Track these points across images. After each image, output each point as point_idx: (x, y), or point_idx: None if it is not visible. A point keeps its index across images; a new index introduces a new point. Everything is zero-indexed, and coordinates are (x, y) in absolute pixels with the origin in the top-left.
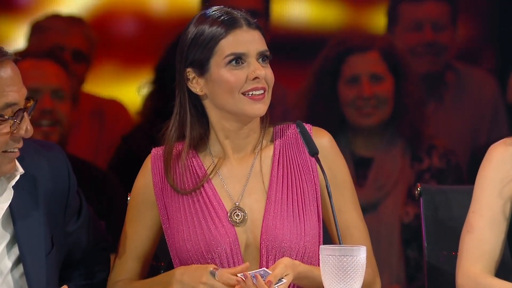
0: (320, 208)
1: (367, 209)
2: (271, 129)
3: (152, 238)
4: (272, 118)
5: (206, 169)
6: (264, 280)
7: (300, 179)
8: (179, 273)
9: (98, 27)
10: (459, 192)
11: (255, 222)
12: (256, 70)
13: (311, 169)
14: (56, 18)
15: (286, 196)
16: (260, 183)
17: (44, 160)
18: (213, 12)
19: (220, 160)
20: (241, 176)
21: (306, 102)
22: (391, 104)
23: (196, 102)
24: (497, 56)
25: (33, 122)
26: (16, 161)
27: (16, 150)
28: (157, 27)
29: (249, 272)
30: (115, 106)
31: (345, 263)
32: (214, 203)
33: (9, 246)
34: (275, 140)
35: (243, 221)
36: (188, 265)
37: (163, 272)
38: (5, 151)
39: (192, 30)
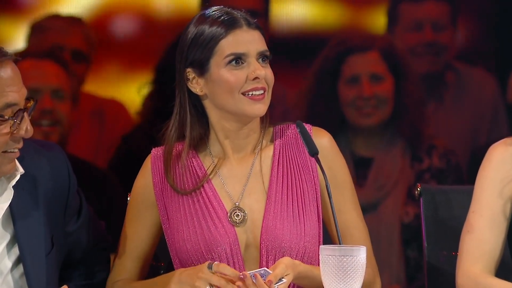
0: (320, 208)
1: (367, 209)
2: (271, 129)
3: (152, 238)
4: (272, 118)
5: (206, 169)
6: (264, 280)
7: (300, 179)
8: (178, 273)
9: (98, 27)
10: (459, 192)
11: (255, 222)
12: (256, 70)
13: (311, 169)
14: (56, 18)
15: (286, 196)
16: (260, 183)
17: (44, 160)
18: (213, 12)
19: (220, 160)
20: (241, 176)
21: (306, 102)
22: (391, 104)
23: (196, 102)
24: (497, 56)
25: (33, 122)
26: (16, 161)
27: (16, 150)
28: (157, 27)
29: (249, 272)
30: (115, 106)
31: (345, 263)
32: (214, 203)
33: (9, 246)
34: (275, 140)
35: (243, 221)
36: (188, 265)
37: (163, 272)
38: (5, 152)
39: (192, 30)
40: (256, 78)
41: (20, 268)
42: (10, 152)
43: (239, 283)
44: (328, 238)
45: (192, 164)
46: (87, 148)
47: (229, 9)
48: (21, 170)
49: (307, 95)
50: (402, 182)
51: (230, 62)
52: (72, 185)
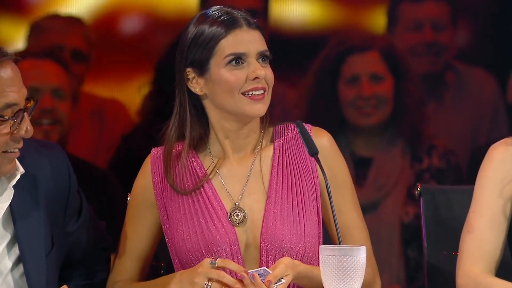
0: (320, 208)
1: (367, 209)
2: (271, 129)
3: (152, 238)
4: (272, 118)
5: (206, 169)
6: (263, 280)
7: (300, 179)
8: (179, 274)
9: (98, 27)
10: (459, 192)
11: (255, 222)
12: (256, 70)
13: (311, 169)
14: (55, 18)
15: (286, 196)
16: (260, 183)
17: (44, 159)
18: (213, 12)
19: (220, 160)
20: (241, 176)
21: (306, 102)
22: (391, 104)
23: (196, 102)
24: (497, 56)
25: (33, 121)
26: (17, 160)
27: (16, 150)
28: (157, 27)
29: (248, 271)
30: (115, 106)
31: (345, 263)
32: (214, 203)
33: (10, 246)
34: (275, 140)
35: (243, 221)
36: (188, 265)
37: (163, 272)
38: (5, 152)
39: (192, 30)
40: (256, 78)
41: (20, 268)
42: (10, 152)
43: (237, 286)
44: (328, 238)
45: (192, 164)
46: (87, 148)
47: (229, 9)
48: (21, 170)
49: (307, 95)
50: (402, 182)
51: (230, 62)
52: (72, 185)
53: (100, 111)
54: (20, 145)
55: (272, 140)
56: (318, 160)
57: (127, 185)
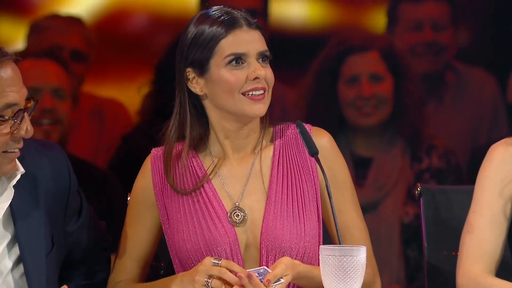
0: (320, 208)
1: (367, 209)
2: (271, 129)
3: (152, 238)
4: (271, 118)
5: (206, 169)
6: (262, 279)
7: (300, 179)
8: (180, 275)
9: (98, 27)
10: (459, 192)
11: (255, 222)
12: (256, 70)
13: (311, 169)
14: (55, 18)
15: (286, 196)
16: (260, 183)
17: (44, 159)
18: (213, 12)
19: (220, 160)
20: (241, 176)
21: (306, 102)
22: (391, 104)
23: (196, 102)
24: (497, 56)
25: (33, 121)
26: (17, 160)
27: (17, 150)
28: (157, 27)
29: (247, 270)
30: (115, 106)
31: (345, 263)
32: (214, 203)
33: (10, 246)
34: (275, 140)
35: (243, 221)
36: (188, 265)
37: (163, 272)
38: (5, 152)
39: (192, 30)
40: (256, 78)
41: (20, 268)
42: (11, 152)
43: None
44: (328, 238)
45: (192, 164)
46: (87, 148)
47: (229, 9)
48: (21, 170)
49: (306, 95)
50: (402, 182)
51: (230, 62)
52: (72, 185)
53: (100, 111)
54: (20, 145)
55: (272, 140)
56: (318, 160)
57: (127, 185)
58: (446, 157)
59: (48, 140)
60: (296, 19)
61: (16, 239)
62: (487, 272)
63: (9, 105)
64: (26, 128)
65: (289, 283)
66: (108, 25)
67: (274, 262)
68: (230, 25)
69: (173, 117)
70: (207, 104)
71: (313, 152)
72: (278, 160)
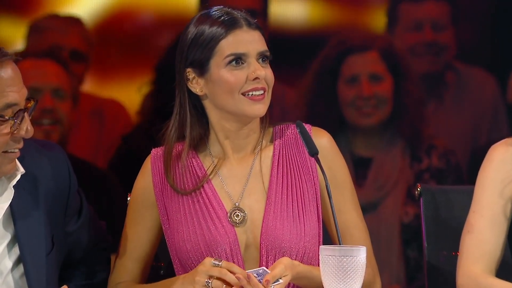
0: (320, 208)
1: (367, 209)
2: (271, 129)
3: (153, 239)
4: (271, 118)
5: (206, 169)
6: (261, 279)
7: (300, 179)
8: (182, 276)
9: (98, 27)
10: (459, 192)
11: (255, 222)
12: (256, 70)
13: (310, 169)
14: (54, 18)
15: (286, 197)
16: (260, 183)
17: (45, 159)
18: (213, 12)
19: (220, 160)
20: (241, 176)
21: (306, 102)
22: (391, 104)
23: (196, 102)
24: (497, 56)
25: (34, 121)
26: (17, 160)
27: (17, 150)
28: (157, 27)
29: (247, 271)
30: (115, 106)
31: (345, 263)
32: (214, 204)
33: (10, 246)
34: (275, 140)
35: (243, 221)
36: (188, 265)
37: (163, 272)
38: (5, 152)
39: (192, 30)
40: (256, 78)
41: (20, 268)
42: (11, 152)
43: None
44: (328, 238)
45: (192, 164)
46: (87, 148)
47: (229, 9)
48: (21, 170)
49: (306, 95)
50: (402, 182)
51: (230, 62)
52: (72, 185)
53: (100, 111)
54: (21, 145)
55: (272, 140)
56: (318, 160)
57: (127, 185)
58: (446, 157)
59: (48, 140)
60: (295, 19)
61: (16, 239)
62: (487, 272)
63: (9, 105)
64: (26, 128)
65: (289, 283)
66: (108, 25)
67: (274, 262)
68: (230, 25)
69: (173, 117)
70: (207, 104)
71: (313, 152)
72: (278, 160)
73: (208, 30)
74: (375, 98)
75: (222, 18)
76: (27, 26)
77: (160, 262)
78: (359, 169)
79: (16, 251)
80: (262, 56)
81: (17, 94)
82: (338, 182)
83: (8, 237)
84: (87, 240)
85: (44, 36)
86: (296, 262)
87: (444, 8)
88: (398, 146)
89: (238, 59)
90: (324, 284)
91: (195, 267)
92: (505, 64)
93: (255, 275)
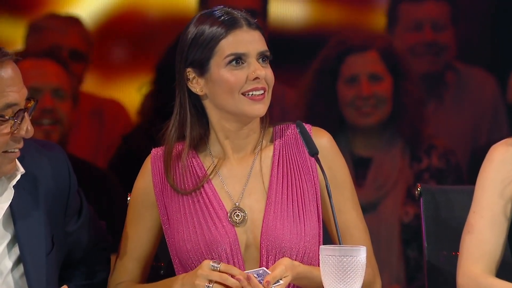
0: (320, 208)
1: (367, 209)
2: (271, 129)
3: (153, 239)
4: (271, 118)
5: (206, 169)
6: (261, 280)
7: (300, 179)
8: (181, 277)
9: (98, 27)
10: (459, 192)
11: (255, 222)
12: (256, 70)
13: (311, 169)
14: (53, 18)
15: (286, 196)
16: (260, 183)
17: (45, 159)
18: (213, 12)
19: (220, 160)
20: (241, 176)
21: (306, 102)
22: (390, 104)
23: (196, 102)
24: (497, 56)
25: (34, 121)
26: (17, 160)
27: (17, 150)
28: (157, 27)
29: (247, 271)
30: (115, 106)
31: (345, 263)
32: (214, 203)
33: (10, 246)
34: (275, 140)
35: (243, 221)
36: (188, 265)
37: (163, 272)
38: (5, 152)
39: (192, 30)
40: (256, 78)
41: (20, 268)
42: (11, 152)
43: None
44: (328, 238)
45: (192, 164)
46: (87, 148)
47: (229, 9)
48: (21, 170)
49: (306, 95)
50: (402, 182)
51: (230, 62)
52: (72, 185)
53: (100, 111)
54: (21, 145)
55: (272, 140)
56: (318, 160)
57: (127, 185)
58: (446, 157)
59: (48, 140)
60: (295, 19)
61: (16, 239)
62: (487, 272)
63: (9, 105)
64: (27, 128)
65: (289, 283)
66: (108, 25)
67: (274, 262)
68: (230, 25)
69: (173, 117)
70: (207, 104)
71: (313, 152)
72: (278, 160)
73: (208, 30)
74: (374, 98)
75: (222, 18)
76: (26, 26)
77: (160, 262)
78: (359, 169)
79: (16, 251)
80: (262, 56)
81: (17, 94)
82: (338, 182)
83: (8, 237)
84: (87, 240)
85: (43, 36)
86: (296, 263)
87: (444, 8)
88: (398, 146)
89: (238, 59)
90: (324, 284)
91: (195, 267)
92: (505, 64)
93: (255, 275)
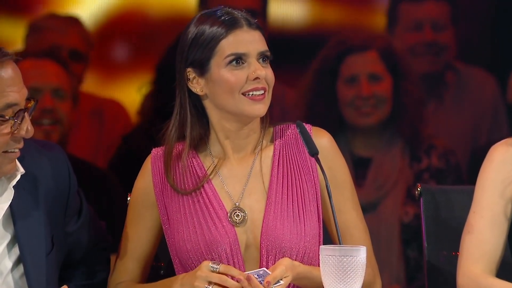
0: (320, 208)
1: (367, 209)
2: (271, 129)
3: (153, 239)
4: (271, 118)
5: (206, 169)
6: (262, 281)
7: (300, 179)
8: (181, 277)
9: (97, 27)
10: (459, 192)
11: (255, 222)
12: (257, 70)
13: (311, 169)
14: (53, 18)
15: (286, 197)
16: (260, 183)
17: (45, 160)
18: (214, 12)
19: (220, 160)
20: (241, 176)
21: (306, 102)
22: (390, 104)
23: (197, 102)
24: (497, 56)
25: (34, 121)
26: (17, 161)
27: (17, 150)
28: (157, 27)
29: (247, 272)
30: (115, 106)
31: (345, 263)
32: (214, 204)
33: (10, 246)
34: (275, 140)
35: (243, 221)
36: (188, 265)
37: (163, 272)
38: (5, 152)
39: (192, 30)
40: (256, 78)
41: (20, 268)
42: (11, 152)
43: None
44: (328, 238)
45: (192, 164)
46: (87, 148)
47: (229, 9)
48: (21, 170)
49: (306, 95)
50: (401, 182)
51: (230, 62)
52: (72, 186)
53: (100, 111)
54: (21, 145)
55: (272, 140)
56: (318, 160)
57: (127, 185)
58: (445, 157)
59: (48, 140)
60: (295, 19)
61: (16, 239)
62: (488, 272)
63: (9, 105)
64: (27, 128)
65: (289, 283)
66: (108, 25)
67: (275, 262)
68: (231, 25)
69: (173, 117)
70: (207, 104)
71: (313, 152)
72: (278, 160)
73: (209, 30)
74: (374, 98)
75: (223, 18)
76: (26, 26)
77: (160, 262)
78: (359, 169)
79: (16, 251)
80: (262, 56)
81: (17, 94)
82: (338, 182)
83: (8, 237)
84: (87, 240)
85: (43, 36)
86: (297, 263)
87: (444, 8)
88: (398, 146)
89: (238, 59)
90: (324, 284)
91: (195, 267)
92: (505, 64)
93: (255, 276)
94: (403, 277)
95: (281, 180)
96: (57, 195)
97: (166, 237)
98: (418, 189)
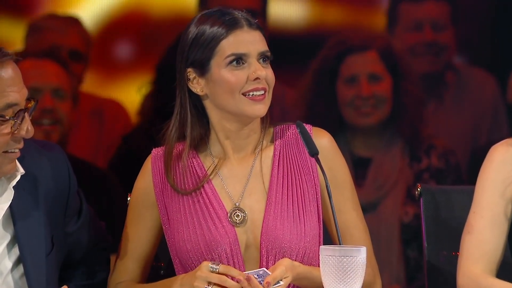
0: (320, 208)
1: (367, 209)
2: (271, 129)
3: (153, 239)
4: (271, 118)
5: (206, 169)
6: (262, 281)
7: (300, 179)
8: (180, 277)
9: (97, 27)
10: (459, 192)
11: (255, 222)
12: (257, 70)
13: (311, 170)
14: (53, 18)
15: (286, 197)
16: (260, 184)
17: (45, 160)
18: (214, 13)
19: (221, 160)
20: (241, 176)
21: (305, 102)
22: (390, 104)
23: (197, 102)
24: (497, 56)
25: (34, 121)
26: (17, 161)
27: (17, 150)
28: (157, 27)
29: (247, 272)
30: (115, 106)
31: (345, 264)
32: (214, 204)
33: (10, 246)
34: (275, 140)
35: (243, 221)
36: (188, 265)
37: (163, 272)
38: (5, 152)
39: (193, 30)
40: (257, 78)
41: (20, 268)
42: (11, 152)
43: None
44: (328, 238)
45: (192, 164)
46: (87, 148)
47: (230, 10)
48: (21, 171)
49: (306, 95)
50: (401, 182)
51: (231, 62)
52: (72, 186)
53: (100, 111)
54: (21, 145)
55: (272, 141)
56: (318, 161)
57: (127, 185)
58: (445, 157)
59: (48, 140)
60: (295, 19)
61: (16, 239)
62: (488, 273)
63: (9, 105)
64: (27, 128)
65: (289, 283)
66: (108, 25)
67: (275, 262)
68: (231, 25)
69: (173, 117)
70: (207, 104)
71: (313, 152)
72: (279, 161)
73: (209, 30)
74: (374, 98)
75: (223, 18)
76: (26, 26)
77: (160, 262)
78: (359, 169)
79: (16, 251)
80: (262, 56)
81: (17, 94)
82: (339, 182)
83: (8, 237)
84: (87, 240)
85: (43, 36)
86: (297, 263)
87: (444, 8)
88: (398, 146)
89: (238, 59)
90: (324, 284)
91: (195, 267)
92: (505, 64)
93: (255, 276)
94: (403, 277)
95: (281, 180)
96: (57, 195)
97: (166, 237)
98: (418, 189)
